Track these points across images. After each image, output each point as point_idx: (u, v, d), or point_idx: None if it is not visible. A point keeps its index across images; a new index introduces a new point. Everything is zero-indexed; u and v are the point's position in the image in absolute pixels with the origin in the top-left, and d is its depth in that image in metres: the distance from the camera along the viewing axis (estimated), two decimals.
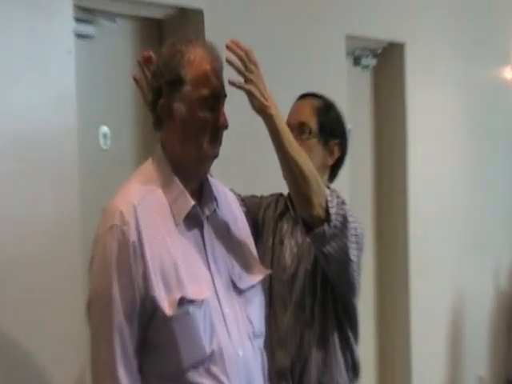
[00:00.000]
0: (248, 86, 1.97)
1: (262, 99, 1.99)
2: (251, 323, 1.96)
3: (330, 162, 2.46)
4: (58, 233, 2.72)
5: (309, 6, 3.83)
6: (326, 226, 2.18)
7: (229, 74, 1.96)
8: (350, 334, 2.40)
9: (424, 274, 4.67)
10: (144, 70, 2.18)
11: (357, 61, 4.52)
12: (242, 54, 1.94)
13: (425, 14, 4.76)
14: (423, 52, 4.72)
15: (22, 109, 2.63)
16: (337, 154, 2.46)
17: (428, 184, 4.75)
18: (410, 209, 4.62)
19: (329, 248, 2.21)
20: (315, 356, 2.34)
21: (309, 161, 2.16)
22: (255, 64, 1.97)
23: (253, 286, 1.99)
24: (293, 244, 2.43)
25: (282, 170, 2.20)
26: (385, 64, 4.65)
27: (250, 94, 1.98)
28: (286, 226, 2.47)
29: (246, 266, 2.00)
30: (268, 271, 2.09)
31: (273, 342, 2.39)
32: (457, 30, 5.03)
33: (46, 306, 2.64)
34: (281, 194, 2.56)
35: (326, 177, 2.47)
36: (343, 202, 2.24)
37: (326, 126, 2.43)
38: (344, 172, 2.61)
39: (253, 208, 2.53)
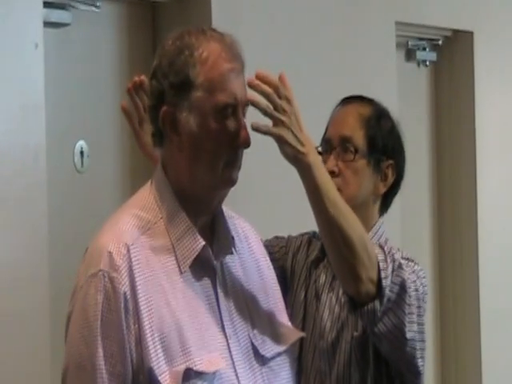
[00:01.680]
0: (278, 131, 1.94)
1: (297, 145, 1.97)
2: None
3: (383, 189, 2.45)
4: (21, 277, 2.73)
5: None
6: (377, 304, 2.18)
7: (251, 74, 1.97)
8: None
9: (498, 325, 4.72)
10: (135, 98, 2.20)
11: (410, 54, 4.57)
12: (269, 91, 1.93)
13: None
14: (497, 43, 4.77)
15: None
16: (391, 178, 2.45)
17: (502, 213, 4.80)
18: (480, 243, 4.65)
19: (380, 327, 2.22)
20: None
21: (357, 222, 2.15)
22: (288, 99, 1.95)
23: (280, 354, 1.97)
24: (333, 301, 2.42)
25: (319, 232, 2.20)
26: (448, 58, 4.71)
27: (280, 141, 1.96)
28: (323, 277, 2.46)
29: (272, 328, 1.99)
30: (301, 334, 2.09)
31: None
32: None
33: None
34: (314, 233, 2.56)
35: (377, 208, 2.47)
36: (400, 266, 2.23)
37: (377, 141, 2.42)
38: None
39: (278, 253, 2.52)
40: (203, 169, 1.89)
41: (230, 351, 1.90)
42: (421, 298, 2.29)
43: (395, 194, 2.50)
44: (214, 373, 1.84)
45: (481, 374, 4.68)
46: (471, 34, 4.64)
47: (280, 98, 1.93)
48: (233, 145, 1.89)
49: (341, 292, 2.40)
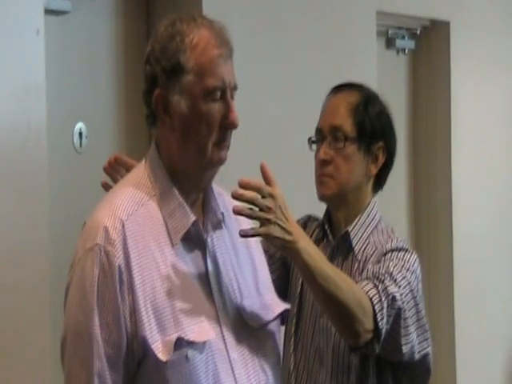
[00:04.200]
0: (265, 230, 1.94)
1: (285, 236, 1.98)
2: (264, 371, 1.96)
3: (375, 170, 2.44)
4: (21, 253, 2.73)
5: None
6: (375, 344, 2.22)
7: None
8: None
9: (472, 305, 4.73)
10: (113, 174, 2.21)
11: (390, 42, 4.57)
12: (253, 197, 1.92)
13: None
14: (472, 32, 4.78)
15: None
16: (382, 159, 2.44)
17: (476, 196, 4.82)
18: (454, 227, 4.68)
19: (379, 352, 2.26)
20: None
21: (349, 284, 2.17)
22: (271, 195, 1.93)
23: (266, 324, 1.97)
24: None
25: (314, 299, 2.23)
26: (425, 47, 4.71)
27: (268, 238, 1.97)
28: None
29: (259, 300, 1.99)
30: (286, 306, 2.07)
31: None
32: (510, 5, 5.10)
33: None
34: (309, 217, 2.56)
35: (370, 188, 2.46)
36: (394, 298, 2.24)
37: (366, 126, 2.40)
38: None
39: (278, 252, 2.45)
40: (193, 148, 1.89)
41: (219, 321, 1.90)
42: (416, 296, 2.32)
43: (388, 172, 2.49)
44: (205, 342, 1.85)
45: (454, 347, 4.70)
46: (448, 23, 4.64)
47: (264, 197, 1.93)
48: (221, 126, 1.89)
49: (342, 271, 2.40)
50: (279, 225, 1.96)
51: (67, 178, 3.09)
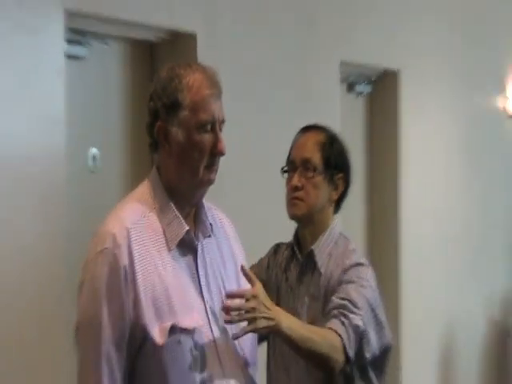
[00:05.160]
0: (252, 327, 1.94)
1: (269, 323, 1.98)
2: (243, 352, 1.98)
3: (335, 196, 2.48)
4: (44, 258, 2.74)
5: (303, 32, 3.91)
6: (346, 366, 2.27)
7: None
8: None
9: (415, 299, 4.73)
10: None
11: (351, 87, 4.56)
12: (238, 305, 1.93)
13: (419, 40, 4.83)
14: (417, 79, 4.79)
15: (9, 130, 2.66)
16: (341, 187, 2.48)
17: (421, 211, 4.81)
18: (402, 236, 4.67)
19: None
20: None
21: (323, 336, 2.20)
22: (253, 295, 1.94)
23: None
24: (303, 291, 2.43)
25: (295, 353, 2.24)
26: (379, 91, 4.71)
27: (256, 331, 1.99)
28: (294, 272, 2.47)
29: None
30: None
31: None
32: (451, 58, 5.13)
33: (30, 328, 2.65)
34: (278, 244, 2.59)
35: (331, 211, 2.50)
36: (357, 326, 2.27)
37: (331, 160, 2.45)
38: None
39: (264, 278, 2.45)
40: (188, 170, 1.91)
41: (206, 313, 1.91)
42: (374, 306, 2.35)
43: (345, 197, 2.53)
44: (194, 329, 1.86)
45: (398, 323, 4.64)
46: (398, 72, 4.65)
47: (248, 300, 1.94)
48: (211, 153, 1.91)
49: (311, 287, 2.41)
50: (264, 316, 1.98)
51: (83, 195, 3.08)
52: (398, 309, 4.63)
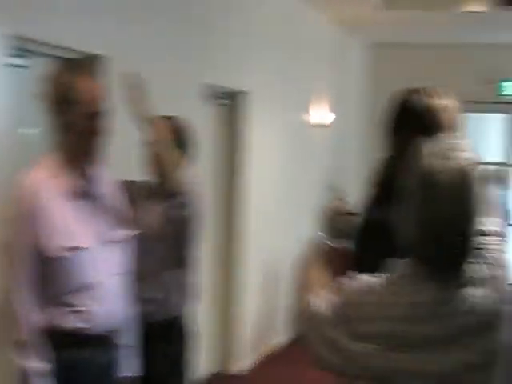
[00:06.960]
0: None
1: None
2: (118, 264, 2.05)
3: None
4: None
5: (172, 60, 3.80)
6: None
7: None
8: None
9: (255, 240, 4.88)
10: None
11: (216, 100, 4.51)
12: None
13: (262, 70, 4.93)
14: (260, 98, 4.88)
15: None
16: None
17: (260, 187, 5.00)
18: (249, 200, 4.81)
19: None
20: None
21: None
22: None
23: (120, 240, 2.06)
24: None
25: None
26: (235, 105, 4.74)
27: None
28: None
29: (118, 227, 2.06)
30: (133, 232, 2.14)
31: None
32: (280, 84, 5.28)
33: None
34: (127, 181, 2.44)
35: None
36: None
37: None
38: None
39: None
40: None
41: (96, 237, 1.98)
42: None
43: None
44: (87, 248, 1.93)
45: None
46: (247, 92, 4.73)
47: None
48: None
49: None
50: None
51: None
52: (243, 246, 4.75)
